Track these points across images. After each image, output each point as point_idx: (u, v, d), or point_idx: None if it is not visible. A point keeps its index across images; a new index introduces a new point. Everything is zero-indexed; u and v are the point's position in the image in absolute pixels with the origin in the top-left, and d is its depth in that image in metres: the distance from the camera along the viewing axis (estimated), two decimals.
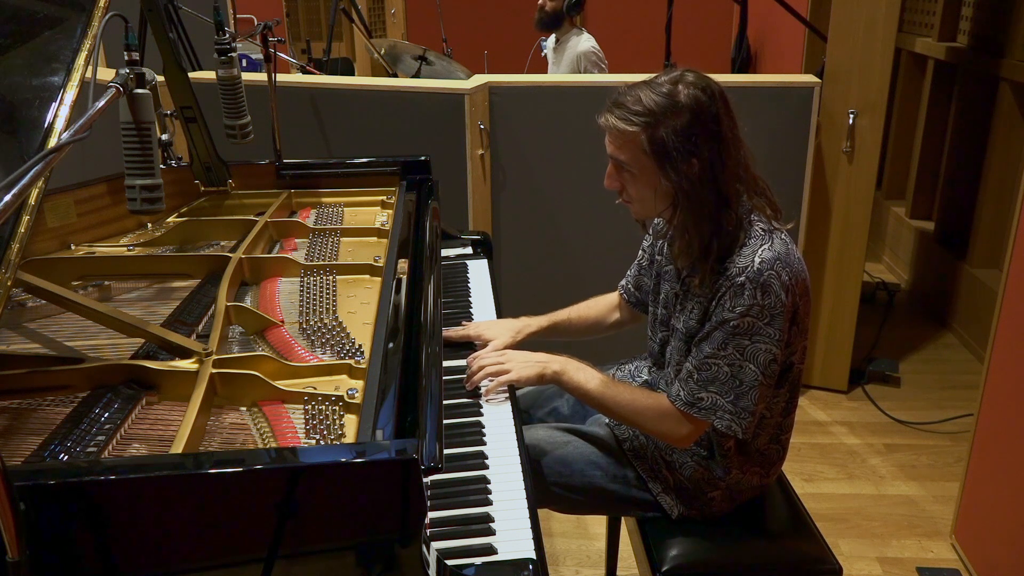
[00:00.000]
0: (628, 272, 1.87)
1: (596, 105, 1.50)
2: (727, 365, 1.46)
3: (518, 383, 1.62)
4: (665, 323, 1.66)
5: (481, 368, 1.63)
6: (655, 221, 1.69)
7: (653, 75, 1.49)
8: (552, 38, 4.26)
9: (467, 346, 1.79)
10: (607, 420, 1.73)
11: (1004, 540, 2.12)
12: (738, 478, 1.61)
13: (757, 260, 1.43)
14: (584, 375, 1.60)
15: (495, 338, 1.76)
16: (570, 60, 4.10)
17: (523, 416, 1.73)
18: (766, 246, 1.45)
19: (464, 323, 1.85)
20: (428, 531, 1.12)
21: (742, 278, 1.43)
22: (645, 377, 1.79)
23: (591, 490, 1.66)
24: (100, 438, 1.17)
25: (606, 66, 4.13)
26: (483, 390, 1.62)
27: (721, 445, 1.58)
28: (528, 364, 1.62)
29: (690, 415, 1.50)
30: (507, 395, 1.62)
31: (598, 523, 2.41)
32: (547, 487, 1.63)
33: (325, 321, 1.53)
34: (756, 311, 1.42)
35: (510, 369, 1.61)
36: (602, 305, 1.91)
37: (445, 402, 1.53)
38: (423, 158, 2.28)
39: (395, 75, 3.70)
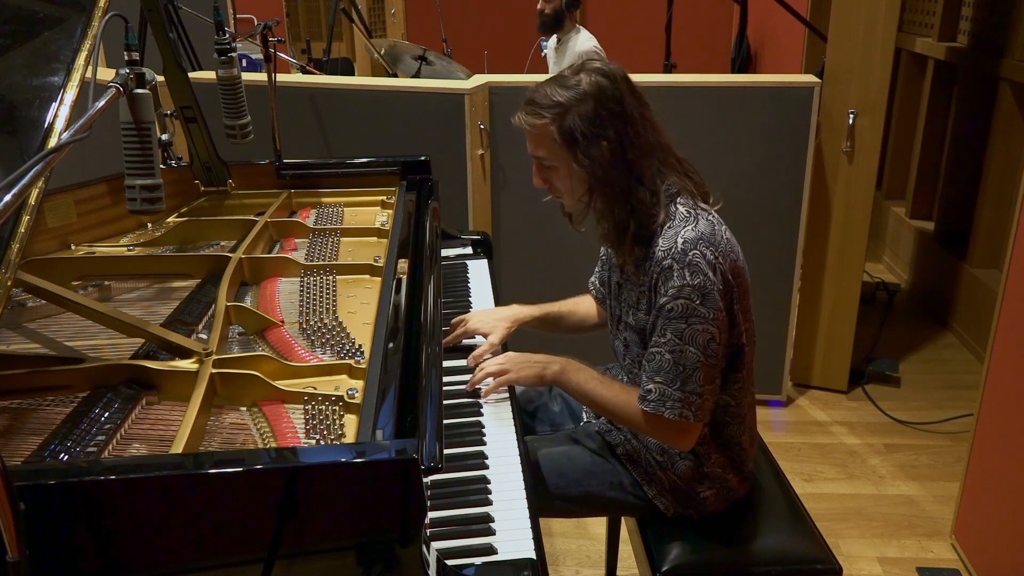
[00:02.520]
0: (595, 269, 1.87)
1: None
2: (668, 352, 1.46)
3: (518, 384, 1.63)
4: (618, 317, 1.67)
5: (482, 369, 1.63)
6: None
7: (561, 71, 1.54)
8: (553, 38, 4.27)
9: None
10: (598, 428, 1.73)
11: (1004, 540, 2.12)
12: (723, 464, 1.61)
13: (680, 241, 1.45)
14: (583, 376, 1.60)
15: (490, 332, 1.76)
16: (572, 59, 4.09)
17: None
18: (689, 227, 1.46)
19: (452, 321, 1.84)
20: (428, 531, 1.12)
21: (668, 260, 1.45)
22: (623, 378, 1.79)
23: (589, 499, 1.66)
24: (100, 438, 1.17)
25: None
26: (483, 391, 1.62)
27: None
28: (528, 365, 1.62)
29: (647, 412, 1.50)
30: (507, 395, 1.62)
31: (598, 523, 2.41)
32: (547, 498, 1.63)
33: (325, 321, 1.53)
34: (688, 292, 1.43)
35: (510, 370, 1.61)
36: (586, 304, 1.92)
37: (445, 402, 1.53)
38: (423, 158, 2.28)
39: (395, 75, 3.70)
